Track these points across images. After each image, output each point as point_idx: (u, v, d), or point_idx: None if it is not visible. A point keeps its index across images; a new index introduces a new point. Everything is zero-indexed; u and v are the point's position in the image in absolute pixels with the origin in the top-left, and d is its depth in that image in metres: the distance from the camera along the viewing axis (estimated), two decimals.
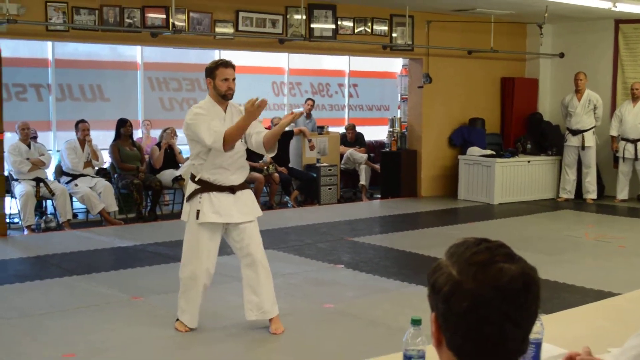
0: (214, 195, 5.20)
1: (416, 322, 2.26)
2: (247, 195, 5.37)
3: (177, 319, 5.49)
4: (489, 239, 1.49)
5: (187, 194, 5.35)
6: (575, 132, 12.00)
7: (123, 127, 10.44)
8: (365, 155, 12.79)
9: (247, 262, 5.34)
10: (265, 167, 11.32)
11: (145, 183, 10.32)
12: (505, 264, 1.41)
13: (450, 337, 1.44)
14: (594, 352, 2.25)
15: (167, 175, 10.58)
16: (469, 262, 1.42)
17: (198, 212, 5.20)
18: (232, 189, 5.26)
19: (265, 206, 11.40)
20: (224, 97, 5.21)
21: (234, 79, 5.22)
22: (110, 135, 10.68)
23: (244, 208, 5.28)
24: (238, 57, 12.75)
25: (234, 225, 5.27)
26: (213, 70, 5.19)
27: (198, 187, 5.24)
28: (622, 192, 11.99)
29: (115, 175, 10.48)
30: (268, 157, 11.46)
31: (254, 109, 4.94)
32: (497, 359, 1.42)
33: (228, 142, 5.05)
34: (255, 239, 5.32)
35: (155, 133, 11.44)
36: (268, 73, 13.63)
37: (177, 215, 10.69)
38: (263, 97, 5.00)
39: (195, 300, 5.39)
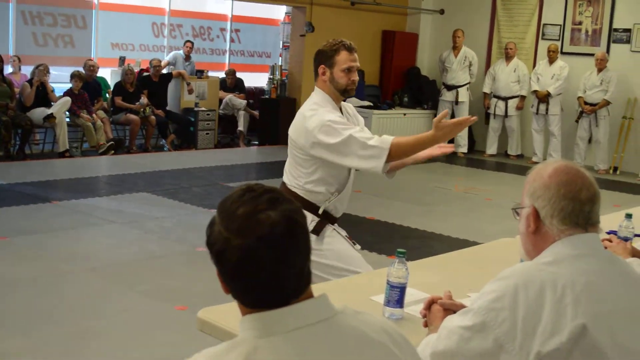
0: None
1: None
2: None
3: None
4: (256, 185, 1.49)
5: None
6: (450, 88, 12.33)
7: None
8: (244, 102, 12.69)
9: None
10: (142, 110, 11.06)
11: (14, 121, 9.92)
12: (265, 212, 1.42)
13: (232, 290, 1.47)
14: (455, 296, 2.35)
15: (38, 113, 10.18)
16: (233, 217, 1.43)
17: None
18: None
19: (141, 149, 11.23)
20: (343, 93, 3.70)
21: (357, 68, 3.68)
22: None
23: None
24: None
25: None
26: (332, 55, 3.65)
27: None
28: (491, 148, 12.42)
29: None
30: (145, 99, 11.23)
31: (451, 127, 3.36)
32: (279, 299, 1.44)
33: (395, 157, 3.64)
34: None
35: (27, 69, 10.98)
36: (147, 13, 13.26)
37: (47, 155, 10.40)
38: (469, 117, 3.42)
39: None
